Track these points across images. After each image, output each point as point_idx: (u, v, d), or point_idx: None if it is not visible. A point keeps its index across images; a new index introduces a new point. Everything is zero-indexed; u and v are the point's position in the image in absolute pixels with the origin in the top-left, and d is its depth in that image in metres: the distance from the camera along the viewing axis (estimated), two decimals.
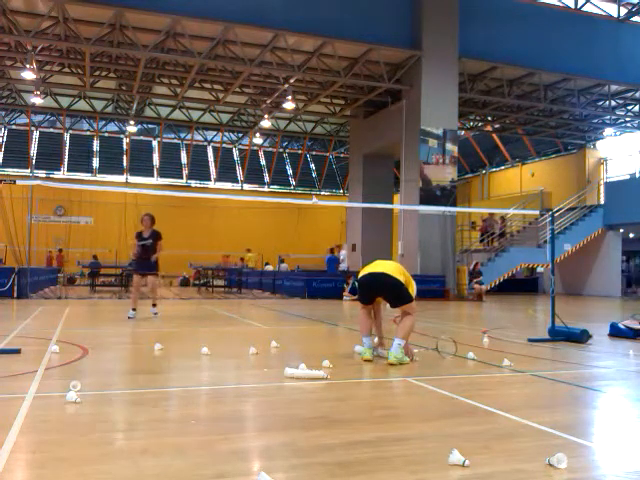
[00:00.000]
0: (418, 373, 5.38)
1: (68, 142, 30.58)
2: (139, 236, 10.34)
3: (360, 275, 6.35)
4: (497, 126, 26.90)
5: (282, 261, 24.70)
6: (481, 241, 23.55)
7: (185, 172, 32.19)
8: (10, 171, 28.45)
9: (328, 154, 35.26)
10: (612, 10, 21.47)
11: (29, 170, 28.94)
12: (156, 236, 10.26)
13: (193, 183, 32.25)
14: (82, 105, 27.69)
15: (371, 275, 6.18)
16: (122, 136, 31.65)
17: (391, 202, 24.63)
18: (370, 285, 6.22)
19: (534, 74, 20.29)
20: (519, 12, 19.80)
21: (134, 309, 10.13)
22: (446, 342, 6.64)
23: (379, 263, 6.32)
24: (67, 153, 30.41)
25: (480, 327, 9.96)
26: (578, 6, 21.25)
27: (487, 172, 32.18)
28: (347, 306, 15.08)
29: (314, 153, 35.52)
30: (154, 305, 10.22)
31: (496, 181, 31.92)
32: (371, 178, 23.63)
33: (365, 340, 6.18)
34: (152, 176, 31.53)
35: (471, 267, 19.60)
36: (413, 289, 6.19)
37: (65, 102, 27.32)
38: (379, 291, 6.20)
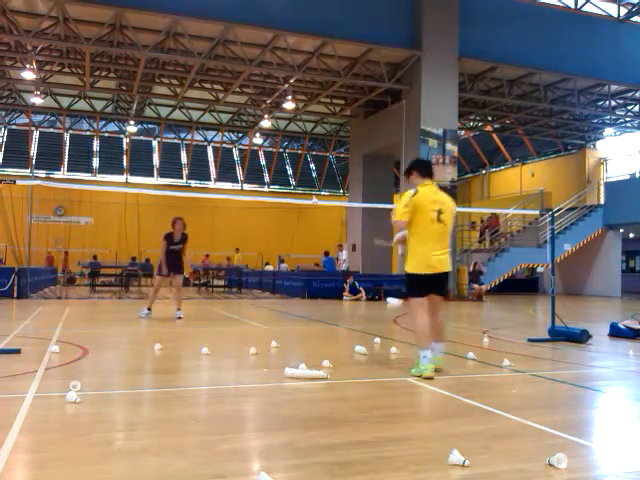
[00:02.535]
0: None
1: (68, 142, 30.57)
2: (169, 239, 10.33)
3: (426, 256, 5.24)
4: (497, 126, 26.90)
5: (282, 261, 24.69)
6: (480, 241, 23.56)
7: (185, 172, 32.18)
8: (10, 171, 28.42)
9: (328, 154, 35.26)
10: (612, 10, 21.46)
11: (29, 170, 28.92)
12: (185, 240, 10.42)
13: (193, 183, 32.24)
14: (82, 105, 27.67)
15: (440, 263, 5.28)
16: (122, 136, 31.64)
17: (391, 202, 24.62)
18: (436, 277, 5.28)
19: (534, 74, 20.28)
20: (519, 12, 19.78)
21: (149, 309, 10.21)
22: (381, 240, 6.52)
23: (441, 238, 5.31)
24: (67, 153, 30.40)
25: (480, 327, 9.97)
26: (578, 6, 21.24)
27: (487, 172, 32.18)
28: (347, 306, 15.08)
29: (314, 153, 35.51)
30: (179, 309, 10.26)
31: (496, 181, 31.92)
32: (371, 178, 23.62)
33: (427, 353, 5.06)
34: (152, 176, 31.52)
35: (471, 267, 19.60)
36: None
37: (65, 102, 27.30)
38: (440, 283, 5.38)
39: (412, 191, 5.36)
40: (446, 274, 5.30)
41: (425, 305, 5.26)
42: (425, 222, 5.22)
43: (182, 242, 10.35)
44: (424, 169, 5.61)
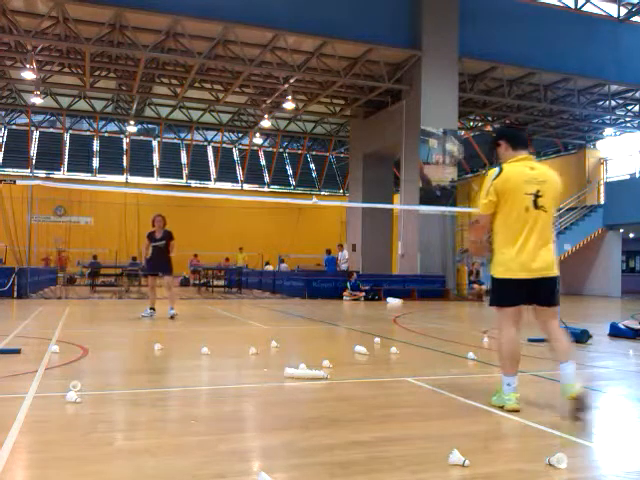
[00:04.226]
0: (418, 373, 5.37)
1: (68, 142, 30.55)
2: (151, 237, 10.29)
3: (514, 255, 3.97)
4: (497, 126, 26.89)
5: (282, 261, 24.67)
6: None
7: (185, 172, 32.18)
8: (10, 171, 28.43)
9: (328, 154, 35.25)
10: (612, 10, 21.47)
11: (29, 170, 28.91)
12: (168, 236, 10.26)
13: (193, 183, 32.24)
14: (82, 105, 27.68)
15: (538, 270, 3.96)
16: (122, 136, 31.63)
17: (391, 202, 24.63)
18: (537, 282, 3.98)
19: (534, 74, 20.29)
20: (519, 12, 19.80)
21: (152, 308, 10.18)
22: None
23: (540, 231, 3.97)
24: (67, 153, 30.39)
25: (480, 327, 9.96)
26: (578, 6, 21.25)
27: (487, 172, 32.15)
28: (347, 306, 15.07)
29: (314, 153, 35.50)
30: (172, 307, 10.17)
31: None
32: (371, 178, 23.63)
33: (512, 380, 4.01)
34: (152, 176, 31.51)
35: (471, 267, 19.63)
36: None
37: (65, 102, 27.30)
38: (547, 289, 4.05)
39: (495, 171, 4.14)
40: (552, 279, 4.01)
41: (515, 319, 4.07)
42: (516, 211, 3.97)
43: (165, 239, 10.21)
44: (516, 138, 4.27)
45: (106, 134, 31.50)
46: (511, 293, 4.02)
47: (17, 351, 6.02)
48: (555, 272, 4.01)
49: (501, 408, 3.97)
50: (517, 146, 4.21)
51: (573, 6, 21.24)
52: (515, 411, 3.90)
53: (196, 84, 21.05)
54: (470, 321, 12.40)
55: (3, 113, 28.88)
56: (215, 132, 32.55)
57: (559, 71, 20.37)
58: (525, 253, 3.93)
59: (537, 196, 3.97)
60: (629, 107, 23.62)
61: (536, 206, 3.95)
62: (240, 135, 33.11)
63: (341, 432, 3.41)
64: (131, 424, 3.63)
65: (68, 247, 25.61)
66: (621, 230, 23.41)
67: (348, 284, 17.27)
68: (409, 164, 19.57)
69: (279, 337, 7.30)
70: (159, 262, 10.25)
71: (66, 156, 30.29)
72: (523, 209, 3.95)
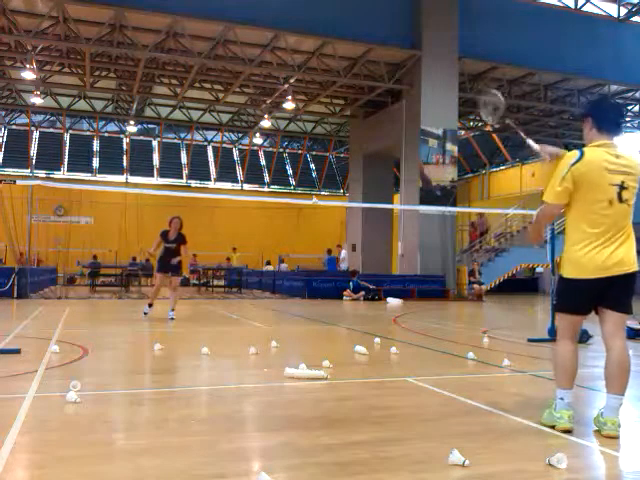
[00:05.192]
0: (418, 373, 5.38)
1: (68, 142, 30.56)
2: (164, 236, 10.18)
3: (586, 254, 3.46)
4: (497, 126, 26.89)
5: (282, 261, 24.68)
6: (476, 244, 23.60)
7: (185, 172, 32.18)
8: (10, 171, 28.42)
9: (328, 154, 35.26)
10: (612, 10, 21.47)
11: (29, 170, 28.92)
12: (181, 239, 10.20)
13: (193, 183, 32.24)
14: (82, 105, 27.68)
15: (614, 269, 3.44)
16: (122, 136, 31.63)
17: (391, 202, 24.62)
18: (611, 282, 3.47)
19: (534, 74, 20.29)
20: (519, 12, 19.79)
21: (151, 305, 10.17)
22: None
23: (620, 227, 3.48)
24: (67, 153, 30.39)
25: (480, 327, 9.97)
26: (578, 6, 21.26)
27: (487, 172, 32.18)
28: (347, 306, 15.07)
29: (314, 153, 35.50)
30: (172, 310, 10.09)
31: (496, 181, 31.91)
32: (371, 178, 23.63)
33: (566, 394, 3.56)
34: (152, 176, 31.52)
35: (471, 267, 19.63)
36: None
37: (65, 102, 27.30)
38: (620, 291, 3.53)
39: (575, 155, 3.51)
40: (629, 277, 3.46)
41: (576, 329, 3.62)
42: (598, 203, 3.44)
43: (177, 242, 10.17)
44: (605, 120, 3.59)
45: (106, 134, 31.50)
46: (580, 297, 3.53)
47: (17, 351, 6.02)
48: (634, 267, 3.47)
49: (552, 428, 3.51)
50: (603, 129, 3.56)
51: (573, 6, 21.24)
52: (567, 432, 3.43)
53: (196, 84, 21.05)
54: (470, 321, 12.40)
55: (3, 113, 28.88)
56: (215, 132, 32.55)
57: (559, 71, 20.37)
58: (604, 251, 3.42)
59: (622, 188, 3.44)
60: (629, 107, 23.62)
61: (620, 199, 3.43)
62: (240, 135, 33.12)
63: (341, 432, 3.41)
64: (131, 424, 3.63)
65: (68, 247, 25.57)
66: None
67: (351, 283, 17.27)
68: (409, 164, 19.57)
69: (279, 337, 7.30)
70: (168, 263, 10.18)
71: (66, 156, 30.29)
72: (607, 202, 3.43)
